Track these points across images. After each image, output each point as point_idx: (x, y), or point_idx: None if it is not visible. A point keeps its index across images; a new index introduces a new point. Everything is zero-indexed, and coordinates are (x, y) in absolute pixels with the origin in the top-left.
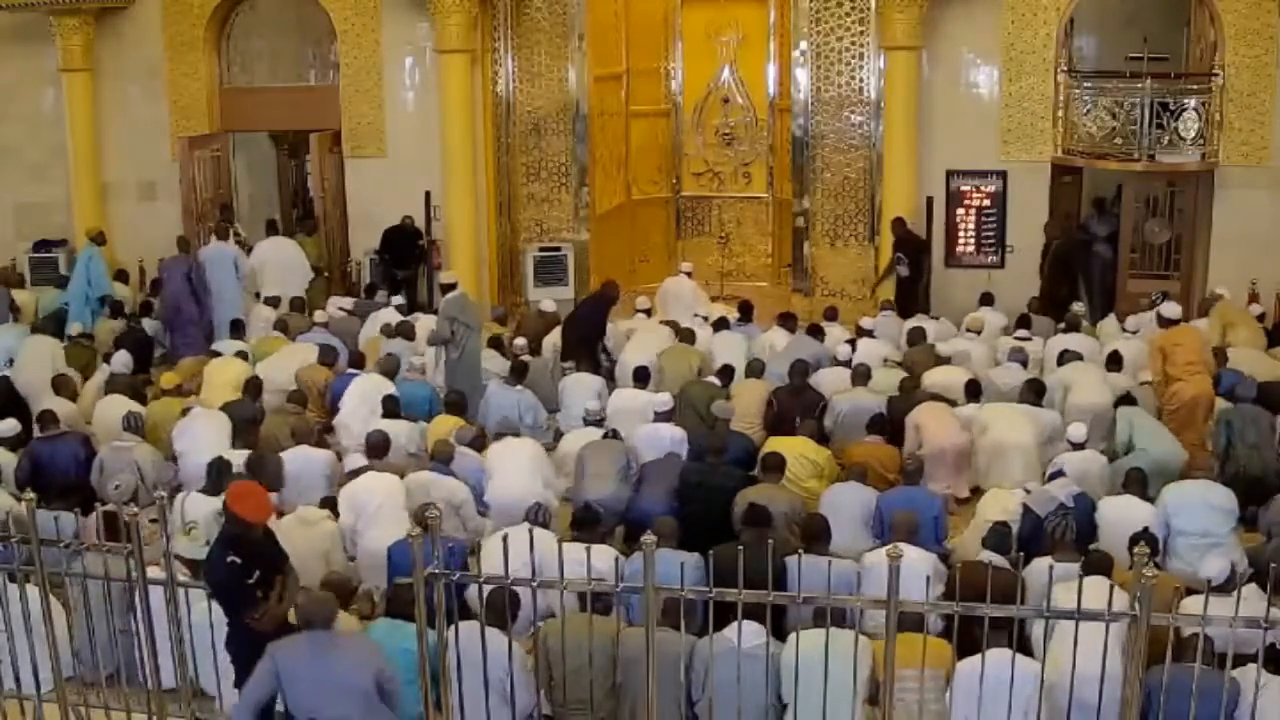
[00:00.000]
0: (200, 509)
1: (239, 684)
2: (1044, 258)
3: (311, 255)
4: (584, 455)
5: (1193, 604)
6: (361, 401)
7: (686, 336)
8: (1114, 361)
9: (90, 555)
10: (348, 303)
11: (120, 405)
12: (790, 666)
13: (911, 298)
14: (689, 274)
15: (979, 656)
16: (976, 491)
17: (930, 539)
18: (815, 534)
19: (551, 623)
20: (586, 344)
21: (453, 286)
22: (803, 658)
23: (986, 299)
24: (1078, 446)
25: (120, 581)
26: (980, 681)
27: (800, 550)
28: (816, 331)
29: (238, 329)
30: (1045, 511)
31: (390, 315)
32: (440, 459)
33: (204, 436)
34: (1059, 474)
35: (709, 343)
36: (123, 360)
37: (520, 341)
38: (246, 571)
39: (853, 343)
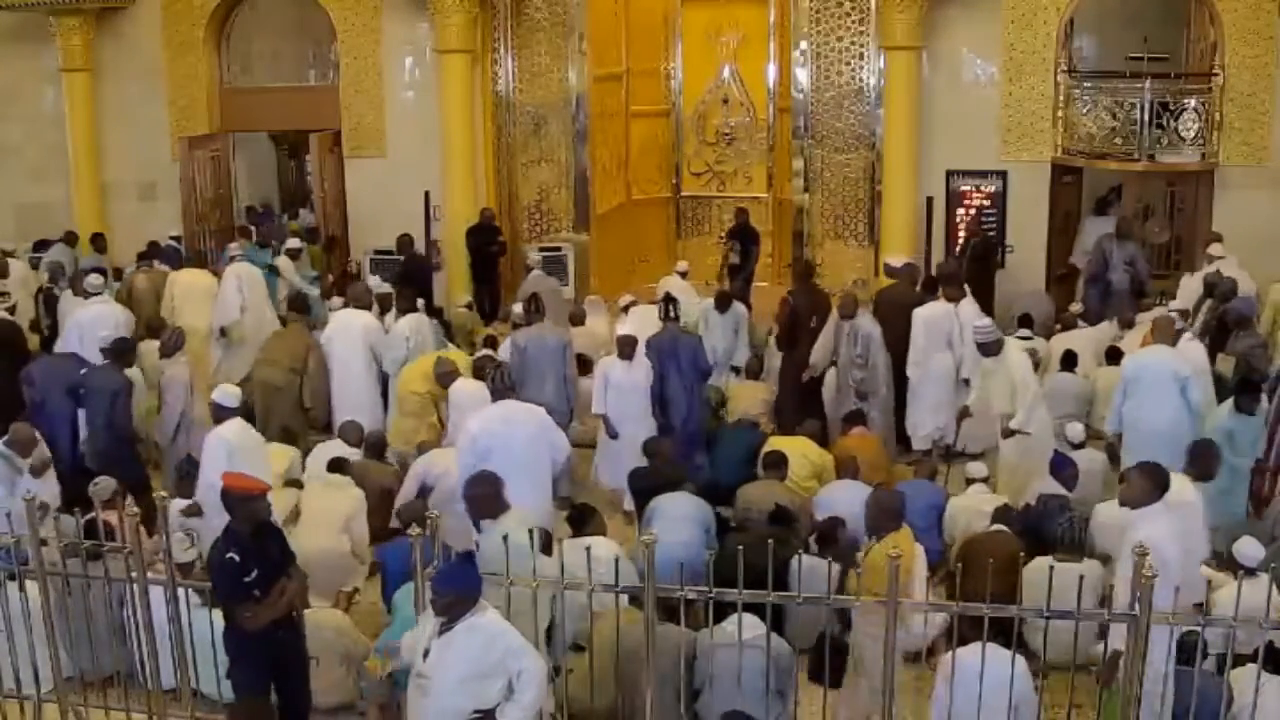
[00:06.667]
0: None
1: (230, 676)
2: (961, 254)
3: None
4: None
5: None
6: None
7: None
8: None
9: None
10: (338, 303)
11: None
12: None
13: (741, 281)
14: (683, 274)
15: (973, 648)
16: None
17: (933, 531)
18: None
19: (606, 624)
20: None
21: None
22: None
23: None
24: (1077, 446)
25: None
26: (980, 679)
27: (800, 552)
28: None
29: None
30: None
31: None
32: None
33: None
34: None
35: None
36: None
37: (518, 309)
38: (244, 569)
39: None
